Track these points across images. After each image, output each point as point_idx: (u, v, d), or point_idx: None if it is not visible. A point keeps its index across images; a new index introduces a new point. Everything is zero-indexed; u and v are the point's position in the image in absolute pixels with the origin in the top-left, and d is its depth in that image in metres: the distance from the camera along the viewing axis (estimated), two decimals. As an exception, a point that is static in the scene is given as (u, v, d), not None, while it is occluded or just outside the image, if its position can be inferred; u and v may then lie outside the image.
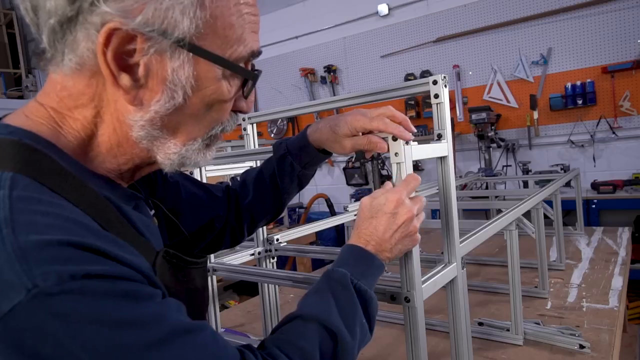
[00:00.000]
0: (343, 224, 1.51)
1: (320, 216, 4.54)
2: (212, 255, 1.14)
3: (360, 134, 0.78)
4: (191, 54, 0.51)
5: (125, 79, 0.50)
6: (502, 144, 3.84)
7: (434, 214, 3.58)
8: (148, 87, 0.51)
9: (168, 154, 0.56)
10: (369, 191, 4.27)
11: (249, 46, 0.56)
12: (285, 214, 4.31)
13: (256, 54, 0.58)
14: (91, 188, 0.52)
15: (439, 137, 0.84)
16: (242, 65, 0.56)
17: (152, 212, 0.71)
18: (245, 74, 0.57)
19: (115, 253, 0.44)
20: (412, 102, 4.27)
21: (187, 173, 0.91)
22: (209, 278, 1.11)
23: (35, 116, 0.54)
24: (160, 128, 0.54)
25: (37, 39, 0.52)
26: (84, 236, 0.44)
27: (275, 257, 1.27)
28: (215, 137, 0.60)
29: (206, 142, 0.59)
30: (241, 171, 1.26)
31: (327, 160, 4.97)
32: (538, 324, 1.30)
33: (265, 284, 1.23)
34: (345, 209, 1.54)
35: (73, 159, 0.53)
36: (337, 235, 4.51)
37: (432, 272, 0.82)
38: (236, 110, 0.61)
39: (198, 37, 0.51)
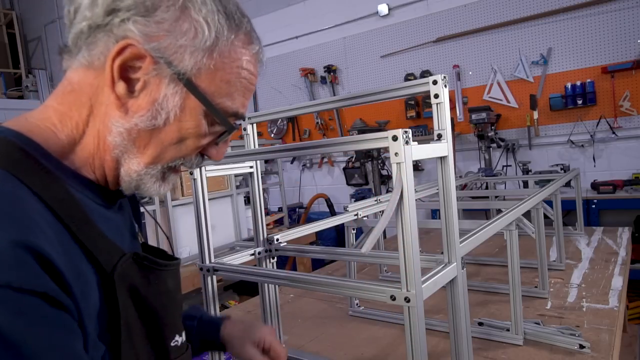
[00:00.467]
0: (343, 224, 1.51)
1: (320, 216, 4.54)
2: (212, 255, 1.14)
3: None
4: (185, 88, 0.57)
5: (121, 87, 0.56)
6: (502, 144, 3.85)
7: (434, 214, 3.58)
8: (138, 100, 0.57)
9: (130, 170, 0.60)
10: (369, 191, 4.27)
11: (236, 105, 0.62)
12: (285, 214, 4.31)
13: (239, 116, 0.64)
14: (63, 185, 0.54)
15: (439, 137, 0.84)
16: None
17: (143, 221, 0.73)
18: (225, 123, 0.62)
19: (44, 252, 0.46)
20: (412, 102, 4.27)
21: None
22: (210, 279, 1.12)
23: (33, 118, 0.58)
24: (134, 141, 0.59)
25: (65, 36, 0.60)
26: (15, 232, 0.45)
27: (275, 257, 1.27)
28: (173, 170, 0.64)
29: (163, 171, 0.63)
30: (241, 171, 1.27)
31: (327, 160, 4.98)
32: (538, 324, 1.30)
33: (265, 284, 1.23)
34: (345, 209, 1.54)
35: (54, 157, 0.57)
36: (337, 235, 4.52)
37: (432, 272, 0.82)
38: (204, 154, 0.66)
39: (196, 77, 0.58)
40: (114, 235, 0.59)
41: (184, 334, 0.67)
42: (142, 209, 0.84)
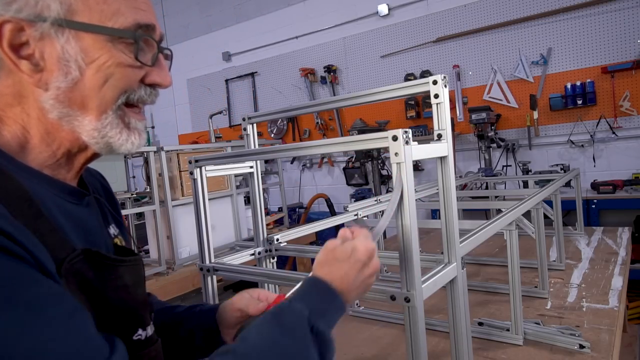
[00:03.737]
0: (343, 224, 1.51)
1: (320, 216, 4.54)
2: (212, 255, 1.14)
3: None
4: (73, 30, 0.57)
5: (24, 65, 0.57)
6: (502, 144, 3.85)
7: (434, 214, 3.58)
8: (47, 69, 0.57)
9: (88, 131, 0.61)
10: (369, 191, 4.26)
11: (131, 18, 0.60)
12: (285, 214, 4.31)
13: (144, 26, 0.61)
14: (12, 177, 0.55)
15: (439, 137, 0.84)
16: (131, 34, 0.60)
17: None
18: (126, 34, 0.60)
19: None
20: (412, 102, 4.27)
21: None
22: (210, 279, 1.12)
23: None
24: (69, 105, 0.59)
25: None
26: None
27: (275, 257, 1.27)
28: (129, 112, 0.64)
29: (120, 117, 0.62)
30: (241, 171, 1.27)
31: (327, 160, 4.98)
32: (538, 324, 1.30)
33: (265, 284, 1.23)
34: (345, 209, 1.54)
35: (9, 156, 0.58)
36: (337, 235, 4.51)
37: (432, 272, 0.82)
38: (152, 84, 0.65)
39: (73, 14, 0.57)
40: (74, 230, 0.60)
41: (149, 328, 0.66)
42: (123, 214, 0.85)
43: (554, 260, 1.86)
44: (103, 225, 0.70)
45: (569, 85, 3.59)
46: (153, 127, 6.31)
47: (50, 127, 0.60)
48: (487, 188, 2.79)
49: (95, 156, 0.67)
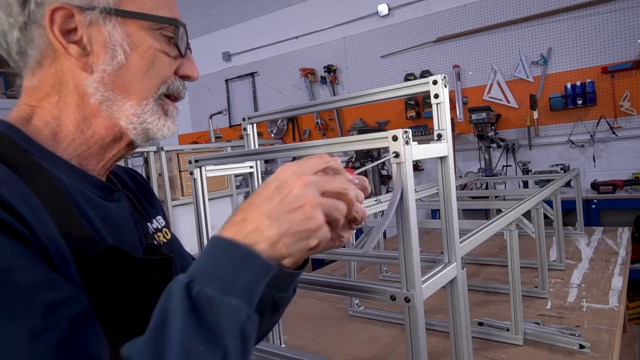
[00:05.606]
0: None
1: (320, 216, 4.53)
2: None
3: None
4: (119, 17, 0.61)
5: (74, 49, 0.60)
6: (502, 144, 3.85)
7: (434, 214, 3.58)
8: (94, 53, 0.60)
9: (128, 116, 0.63)
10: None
11: (168, 13, 0.65)
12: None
13: (177, 22, 0.65)
14: (42, 167, 0.56)
15: (439, 137, 0.84)
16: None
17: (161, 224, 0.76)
18: (167, 21, 0.64)
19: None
20: (412, 102, 4.28)
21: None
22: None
23: (14, 112, 0.63)
24: (112, 89, 0.61)
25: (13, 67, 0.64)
26: None
27: (275, 257, 1.27)
28: (168, 100, 0.67)
29: (160, 104, 0.65)
30: (241, 171, 1.27)
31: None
32: (538, 324, 1.30)
33: (265, 284, 1.23)
34: (345, 209, 1.54)
35: (36, 143, 0.59)
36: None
37: (432, 272, 0.82)
38: (182, 76, 0.68)
39: (122, 4, 0.61)
40: (104, 226, 0.60)
41: None
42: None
43: (554, 260, 1.86)
44: (135, 222, 0.70)
45: (569, 85, 3.59)
46: (153, 127, 6.30)
47: (89, 113, 0.62)
48: (487, 188, 2.79)
49: (127, 149, 0.68)
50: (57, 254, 0.50)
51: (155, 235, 0.74)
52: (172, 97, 0.68)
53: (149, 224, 0.74)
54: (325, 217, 0.52)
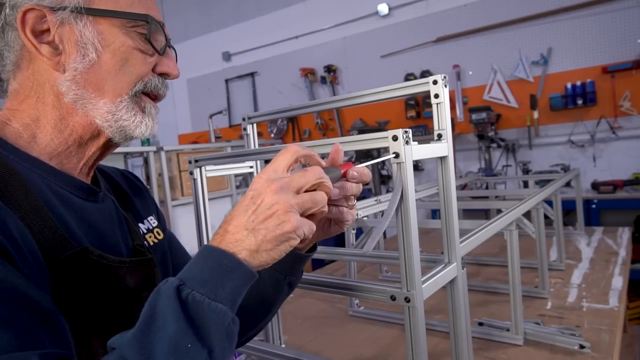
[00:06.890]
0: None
1: (320, 216, 4.53)
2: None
3: None
4: (90, 16, 0.61)
5: (45, 49, 0.60)
6: (502, 144, 3.85)
7: (434, 214, 3.58)
8: (66, 52, 0.61)
9: (102, 114, 0.63)
10: (369, 191, 4.26)
11: (143, 10, 0.64)
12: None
13: (153, 20, 0.65)
14: (11, 168, 0.56)
15: (439, 137, 0.84)
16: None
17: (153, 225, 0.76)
18: (137, 17, 0.63)
19: None
20: (412, 102, 4.27)
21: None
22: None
23: None
24: (85, 87, 0.62)
25: None
26: None
27: (275, 257, 1.27)
28: (145, 98, 0.66)
29: (136, 101, 0.65)
30: (241, 171, 1.26)
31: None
32: (538, 324, 1.30)
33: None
34: (345, 209, 1.54)
35: (11, 145, 0.60)
36: (337, 235, 4.50)
37: (432, 272, 0.82)
38: (162, 74, 0.68)
39: (91, 2, 0.61)
40: (80, 226, 0.60)
41: None
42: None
43: (554, 260, 1.86)
44: (121, 223, 0.69)
45: (569, 85, 3.59)
46: (153, 127, 6.31)
47: (65, 112, 0.62)
48: (487, 188, 2.79)
49: (107, 147, 0.67)
50: (19, 255, 0.49)
51: (147, 236, 0.73)
52: (152, 95, 0.68)
53: (140, 224, 0.73)
54: (305, 213, 0.56)
